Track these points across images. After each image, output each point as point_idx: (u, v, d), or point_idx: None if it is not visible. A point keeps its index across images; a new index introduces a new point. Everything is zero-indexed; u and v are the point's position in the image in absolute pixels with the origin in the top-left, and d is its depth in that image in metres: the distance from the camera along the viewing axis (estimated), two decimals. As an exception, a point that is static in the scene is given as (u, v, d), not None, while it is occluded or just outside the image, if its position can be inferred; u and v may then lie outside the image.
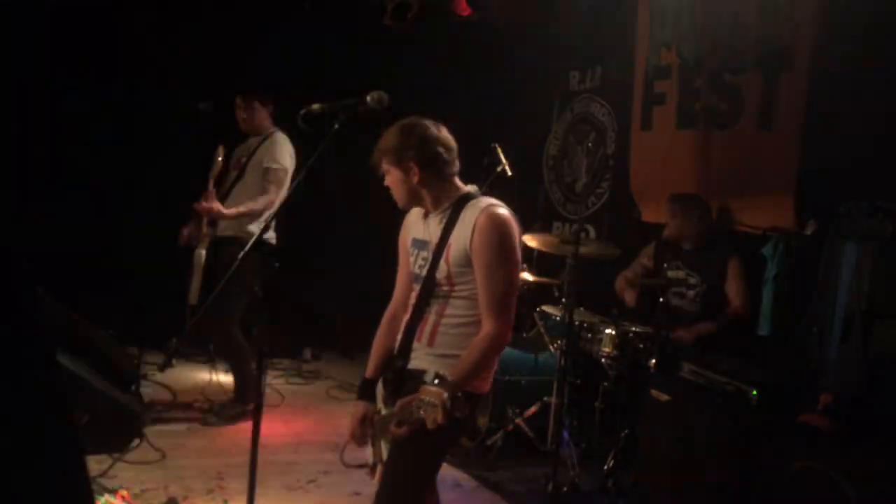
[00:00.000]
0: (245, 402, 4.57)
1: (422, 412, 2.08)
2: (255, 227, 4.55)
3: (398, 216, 2.66)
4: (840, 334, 3.06)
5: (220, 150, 4.54)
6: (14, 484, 0.97)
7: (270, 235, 4.54)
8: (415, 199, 2.46)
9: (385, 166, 2.43)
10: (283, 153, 4.57)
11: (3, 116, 4.88)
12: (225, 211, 4.47)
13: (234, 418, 4.53)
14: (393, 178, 2.43)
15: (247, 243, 4.47)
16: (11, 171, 5.02)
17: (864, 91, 3.76)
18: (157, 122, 5.54)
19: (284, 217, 4.61)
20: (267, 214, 4.47)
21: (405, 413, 2.15)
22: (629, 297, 4.46)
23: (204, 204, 4.45)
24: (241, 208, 4.50)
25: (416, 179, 2.38)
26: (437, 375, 2.12)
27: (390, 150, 2.39)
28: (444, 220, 2.40)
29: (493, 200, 2.40)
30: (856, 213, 3.24)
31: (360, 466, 2.61)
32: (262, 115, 4.69)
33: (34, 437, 1.02)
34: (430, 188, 2.41)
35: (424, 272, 2.42)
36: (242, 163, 4.68)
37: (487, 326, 2.31)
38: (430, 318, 2.40)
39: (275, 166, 4.53)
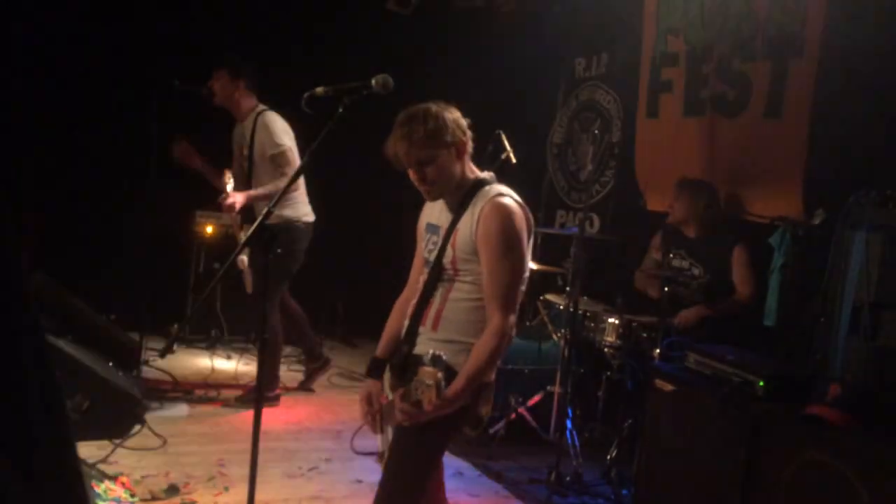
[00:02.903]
0: (273, 388, 4.67)
1: (419, 392, 2.07)
2: (295, 210, 4.59)
3: (401, 204, 2.63)
4: (848, 325, 3.03)
5: (227, 172, 4.50)
6: (4, 478, 0.94)
7: (301, 214, 4.60)
8: (451, 183, 2.36)
9: (425, 154, 2.29)
10: (278, 133, 4.52)
11: (4, 104, 4.85)
12: (249, 192, 4.47)
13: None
14: (438, 164, 2.31)
15: (294, 226, 4.54)
16: (13, 160, 4.99)
17: (873, 79, 3.71)
18: (159, 108, 5.50)
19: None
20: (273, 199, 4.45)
21: (406, 395, 2.14)
22: (653, 291, 4.39)
23: (227, 201, 4.42)
24: (267, 188, 4.48)
25: (457, 162, 2.34)
26: (433, 356, 2.11)
27: (436, 135, 2.27)
28: (456, 206, 2.37)
29: (503, 189, 2.37)
30: (865, 202, 3.20)
31: (369, 454, 2.60)
32: (236, 91, 4.58)
33: (25, 430, 0.99)
34: (463, 171, 2.38)
35: (433, 257, 2.40)
36: (246, 154, 4.64)
37: (493, 321, 2.28)
38: (436, 301, 2.39)
39: (278, 151, 4.50)
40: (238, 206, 4.43)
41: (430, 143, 2.28)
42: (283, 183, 4.43)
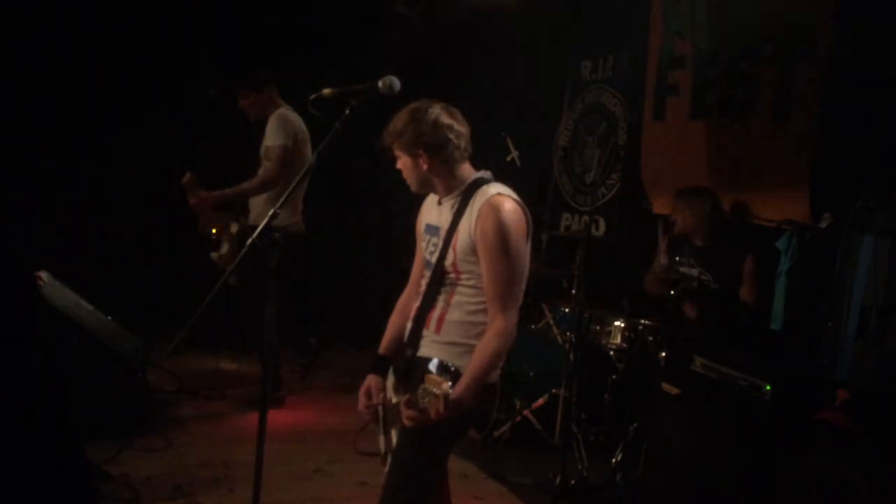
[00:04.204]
0: (277, 389, 4.67)
1: (425, 401, 2.06)
2: (295, 216, 4.55)
3: (406, 204, 2.63)
4: (856, 329, 3.02)
5: (186, 175, 4.45)
6: (14, 478, 0.94)
7: (290, 221, 4.53)
8: (426, 185, 2.43)
9: (396, 151, 2.39)
10: (280, 130, 4.47)
11: (9, 105, 4.86)
12: (218, 193, 4.43)
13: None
14: (403, 164, 2.40)
15: (281, 229, 4.51)
16: (21, 161, 5.01)
17: (881, 82, 3.70)
18: (168, 110, 5.52)
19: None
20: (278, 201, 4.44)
21: (412, 402, 2.14)
22: (661, 294, 4.38)
23: (192, 202, 4.40)
24: (238, 187, 4.45)
25: (425, 167, 2.35)
26: (440, 364, 2.10)
27: (400, 136, 2.34)
28: (455, 207, 2.37)
29: (501, 188, 2.36)
30: (873, 205, 3.19)
31: (373, 454, 2.60)
32: (263, 100, 4.58)
33: (36, 428, 1.00)
34: (441, 175, 2.38)
35: (434, 259, 2.39)
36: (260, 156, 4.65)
37: (494, 323, 2.27)
38: (439, 305, 2.39)
39: (269, 144, 4.47)
40: (200, 205, 4.39)
41: (403, 141, 2.34)
42: (258, 179, 4.41)
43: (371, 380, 2.53)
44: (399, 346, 2.52)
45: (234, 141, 4.87)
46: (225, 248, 4.52)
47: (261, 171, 4.46)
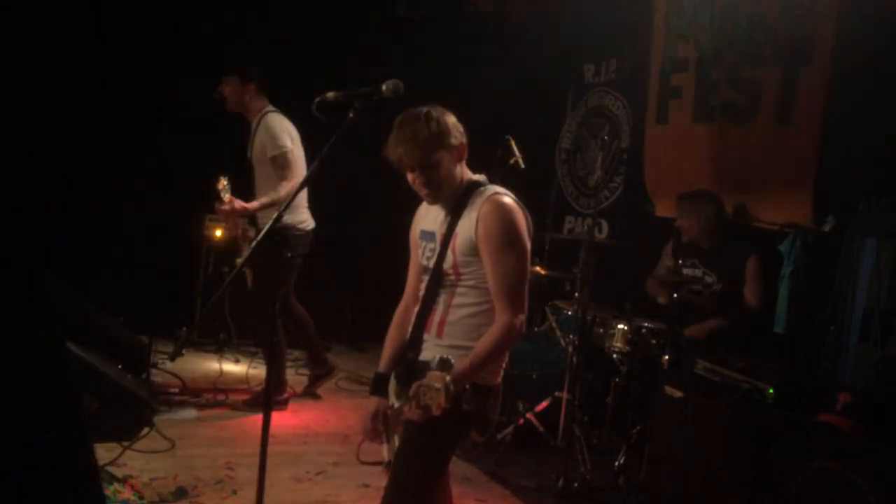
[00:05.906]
0: (280, 391, 4.65)
1: (427, 398, 2.06)
2: (292, 216, 4.54)
3: (409, 207, 2.63)
4: (858, 333, 3.02)
5: (222, 180, 4.43)
6: (20, 475, 0.95)
7: (297, 220, 4.55)
8: (454, 186, 2.36)
9: (430, 157, 2.27)
10: (280, 134, 4.49)
11: (10, 103, 4.87)
12: (248, 205, 4.45)
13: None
14: (442, 167, 2.30)
15: (289, 233, 4.52)
16: (22, 161, 5.01)
17: (884, 86, 3.70)
18: (168, 109, 5.52)
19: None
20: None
21: (413, 398, 2.14)
22: (662, 298, 4.38)
23: (224, 207, 4.42)
24: (264, 199, 4.47)
25: (456, 164, 2.33)
26: (440, 359, 2.10)
27: (438, 138, 2.25)
28: (452, 209, 2.37)
29: (498, 189, 2.36)
30: (876, 209, 3.19)
31: (375, 463, 2.58)
32: (244, 93, 4.57)
33: (42, 427, 1.00)
34: (460, 174, 2.37)
35: (432, 263, 2.39)
36: (249, 158, 4.66)
37: (502, 316, 2.27)
38: (439, 308, 2.38)
39: (277, 152, 4.47)
40: (231, 214, 4.41)
41: (434, 145, 2.27)
42: (283, 190, 4.43)
43: (376, 403, 2.48)
44: (399, 360, 2.50)
45: (237, 142, 4.86)
46: (246, 254, 4.56)
47: (283, 180, 4.45)
